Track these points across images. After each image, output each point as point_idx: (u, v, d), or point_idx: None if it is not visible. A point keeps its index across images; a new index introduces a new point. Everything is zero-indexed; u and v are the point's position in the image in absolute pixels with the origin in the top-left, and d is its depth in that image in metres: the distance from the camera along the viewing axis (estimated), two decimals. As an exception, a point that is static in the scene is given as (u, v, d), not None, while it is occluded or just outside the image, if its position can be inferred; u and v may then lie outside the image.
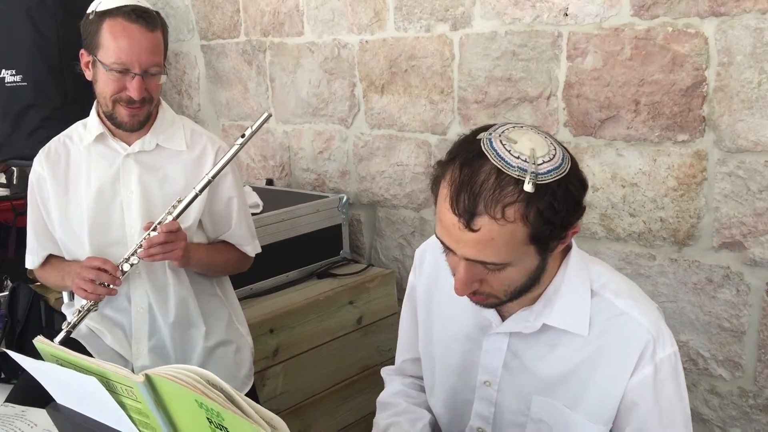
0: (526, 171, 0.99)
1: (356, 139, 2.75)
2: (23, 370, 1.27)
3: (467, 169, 1.01)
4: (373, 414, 1.43)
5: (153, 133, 1.76)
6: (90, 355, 1.80)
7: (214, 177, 1.67)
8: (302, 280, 2.51)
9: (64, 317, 3.81)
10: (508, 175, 0.99)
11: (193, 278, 1.85)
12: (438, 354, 1.33)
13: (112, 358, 1.81)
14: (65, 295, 2.32)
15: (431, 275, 1.34)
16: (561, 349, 1.16)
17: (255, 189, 2.63)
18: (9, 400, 1.63)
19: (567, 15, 2.09)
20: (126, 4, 1.67)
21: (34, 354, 3.73)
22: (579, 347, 1.14)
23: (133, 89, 1.65)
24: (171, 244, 1.65)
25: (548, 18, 2.13)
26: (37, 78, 2.88)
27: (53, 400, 1.14)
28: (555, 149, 1.04)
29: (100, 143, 1.76)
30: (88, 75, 1.72)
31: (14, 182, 6.82)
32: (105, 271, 1.65)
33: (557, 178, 1.01)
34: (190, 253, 1.72)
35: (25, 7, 2.83)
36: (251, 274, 2.36)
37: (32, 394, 1.59)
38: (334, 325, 2.39)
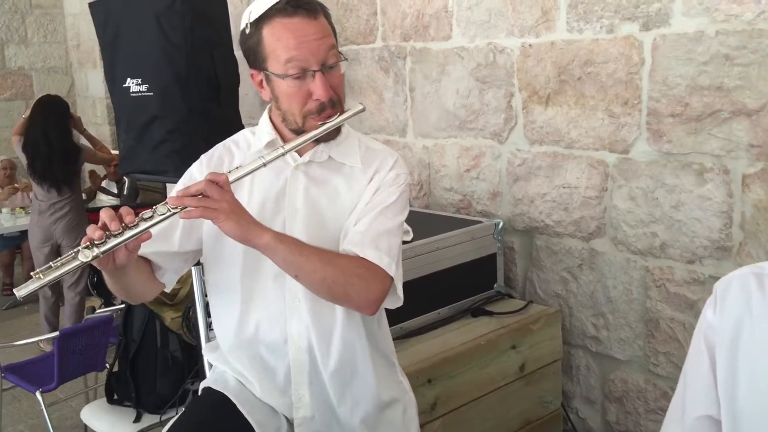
0: None
1: (511, 157, 2.42)
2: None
3: None
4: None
5: (326, 144, 1.51)
6: (238, 410, 1.54)
7: (286, 152, 1.41)
8: (455, 318, 2.20)
9: (178, 337, 3.63)
10: None
11: (365, 318, 1.57)
12: (747, 415, 1.06)
13: (264, 414, 1.55)
14: (202, 334, 2.08)
15: (739, 313, 1.09)
16: None
17: (395, 211, 2.34)
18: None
19: (805, 9, 1.70)
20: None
21: (147, 374, 3.44)
22: None
23: (318, 90, 1.40)
24: (210, 200, 1.31)
25: (778, 13, 1.75)
26: (164, 87, 2.69)
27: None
28: None
29: (269, 150, 1.52)
30: (265, 95, 1.50)
31: (124, 192, 6.83)
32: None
33: None
34: (247, 224, 1.35)
35: (154, 11, 2.64)
36: (399, 312, 2.08)
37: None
38: (495, 373, 2.07)
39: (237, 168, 1.40)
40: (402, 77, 2.71)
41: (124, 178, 6.41)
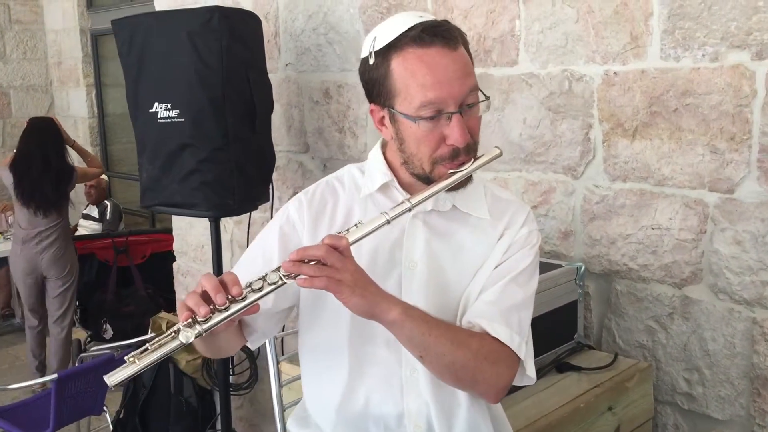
0: None
1: (588, 193, 2.21)
2: None
3: None
4: None
5: (449, 190, 1.30)
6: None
7: (413, 206, 1.22)
8: (540, 373, 1.97)
9: (193, 381, 3.35)
10: None
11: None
12: None
13: None
14: (275, 399, 1.81)
15: None
16: None
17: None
18: None
19: None
20: (410, 25, 1.23)
21: (159, 422, 3.13)
22: None
23: (454, 135, 1.22)
24: (332, 269, 1.13)
25: None
26: (196, 113, 2.44)
27: None
28: None
29: (383, 194, 1.34)
30: (386, 134, 1.31)
31: (107, 217, 6.47)
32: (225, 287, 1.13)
33: None
34: (373, 297, 1.16)
35: (187, 29, 2.40)
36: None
37: None
38: (593, 439, 1.85)
39: (356, 226, 1.20)
40: (457, 105, 2.50)
41: (105, 201, 6.09)
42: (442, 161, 1.25)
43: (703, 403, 2.04)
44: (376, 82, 1.26)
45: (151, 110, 2.49)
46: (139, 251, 5.24)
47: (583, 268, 2.13)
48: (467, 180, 1.29)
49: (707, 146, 1.94)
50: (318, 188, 1.39)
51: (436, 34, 1.21)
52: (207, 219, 2.67)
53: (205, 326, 1.08)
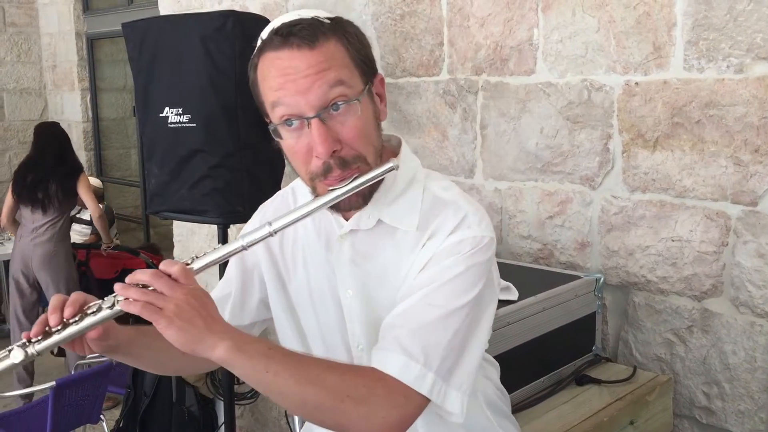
0: None
1: (606, 204, 2.20)
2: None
3: None
4: None
5: (375, 204, 1.16)
6: None
7: (274, 231, 1.06)
8: (560, 386, 1.95)
9: (194, 390, 3.29)
10: None
11: (489, 398, 1.35)
12: None
13: None
14: (296, 422, 1.77)
15: None
16: None
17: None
18: None
19: None
20: (277, 25, 1.12)
21: (160, 431, 2.97)
22: None
23: (315, 143, 1.05)
24: (157, 295, 1.00)
25: None
26: (209, 118, 2.40)
27: None
28: None
29: (314, 216, 1.19)
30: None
31: (96, 221, 6.35)
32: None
33: None
34: (197, 331, 0.99)
35: (200, 33, 2.36)
36: (505, 383, 1.82)
37: None
38: (615, 453, 1.82)
39: (206, 254, 1.07)
40: (472, 113, 2.48)
41: (99, 205, 6.01)
42: (317, 178, 1.09)
43: (722, 417, 2.02)
44: (255, 94, 1.15)
45: (161, 115, 2.45)
46: (109, 265, 5.13)
47: (602, 279, 2.11)
48: (361, 199, 1.12)
49: (730, 158, 1.92)
50: (274, 202, 1.33)
51: (290, 34, 1.06)
52: (210, 225, 2.63)
53: (37, 347, 1.03)
